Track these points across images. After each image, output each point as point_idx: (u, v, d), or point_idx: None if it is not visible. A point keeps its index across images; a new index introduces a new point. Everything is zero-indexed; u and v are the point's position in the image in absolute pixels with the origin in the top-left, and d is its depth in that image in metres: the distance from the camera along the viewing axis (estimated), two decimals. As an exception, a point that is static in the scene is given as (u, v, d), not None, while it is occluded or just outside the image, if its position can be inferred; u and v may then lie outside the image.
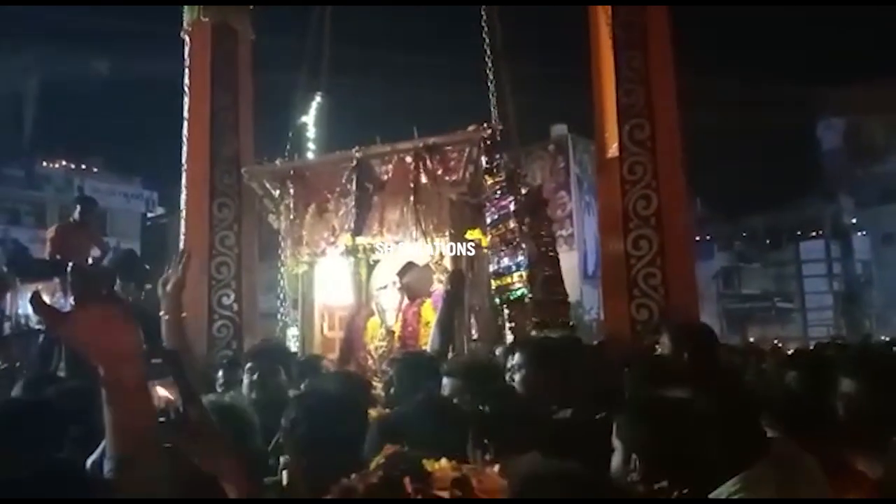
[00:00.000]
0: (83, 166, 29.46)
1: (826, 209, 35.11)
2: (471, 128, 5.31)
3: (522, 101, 7.95)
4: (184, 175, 6.53)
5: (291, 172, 5.83)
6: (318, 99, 12.91)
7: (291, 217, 5.75)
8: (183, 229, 6.42)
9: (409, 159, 5.46)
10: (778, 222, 35.79)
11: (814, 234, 35.30)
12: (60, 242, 7.42)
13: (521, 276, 5.17)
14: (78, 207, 7.84)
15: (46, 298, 1.33)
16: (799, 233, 35.46)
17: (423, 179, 5.41)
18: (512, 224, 5.19)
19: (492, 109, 6.44)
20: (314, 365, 4.33)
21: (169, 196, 27.29)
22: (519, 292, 5.18)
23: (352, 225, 5.49)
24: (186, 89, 6.59)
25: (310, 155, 11.50)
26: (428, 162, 5.38)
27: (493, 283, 5.32)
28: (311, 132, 13.06)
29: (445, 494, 1.30)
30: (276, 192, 5.88)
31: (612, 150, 5.34)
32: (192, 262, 3.19)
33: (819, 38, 43.25)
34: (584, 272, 22.34)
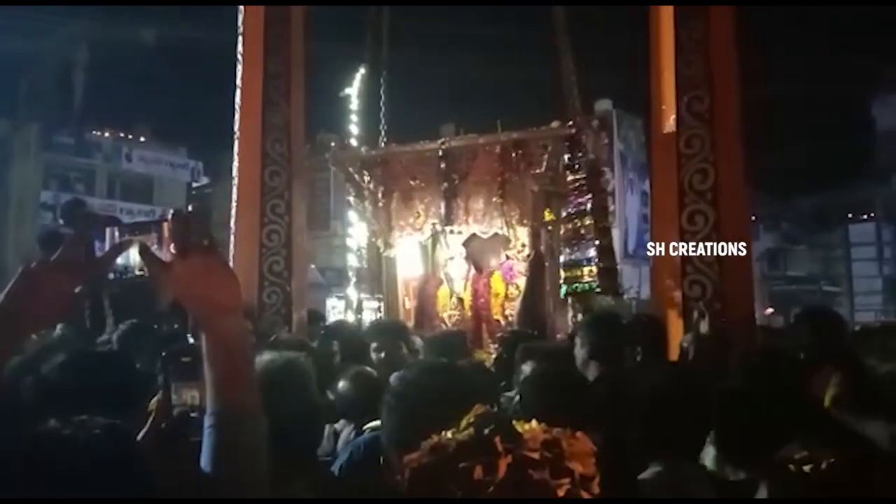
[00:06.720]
0: (130, 136, 29.89)
1: (878, 191, 34.03)
2: (554, 124, 5.70)
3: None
4: (235, 142, 6.57)
5: (377, 160, 6.10)
6: (362, 70, 12.86)
7: (378, 203, 5.98)
8: (235, 197, 6.47)
9: (494, 152, 5.77)
10: (827, 203, 34.85)
11: (864, 216, 34.31)
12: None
13: (590, 270, 5.40)
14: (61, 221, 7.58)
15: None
16: (849, 215, 34.48)
17: (508, 172, 5.74)
18: (588, 221, 5.42)
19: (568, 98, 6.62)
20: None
21: (213, 166, 27.61)
22: (587, 286, 5.42)
23: (440, 211, 5.83)
24: (239, 56, 6.60)
25: (353, 128, 11.59)
26: (512, 156, 5.70)
27: (563, 273, 5.58)
28: (354, 104, 13.04)
29: (535, 455, 1.29)
30: (360, 178, 6.12)
31: (669, 122, 5.21)
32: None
33: (876, 12, 41.48)
34: (624, 250, 22.09)
